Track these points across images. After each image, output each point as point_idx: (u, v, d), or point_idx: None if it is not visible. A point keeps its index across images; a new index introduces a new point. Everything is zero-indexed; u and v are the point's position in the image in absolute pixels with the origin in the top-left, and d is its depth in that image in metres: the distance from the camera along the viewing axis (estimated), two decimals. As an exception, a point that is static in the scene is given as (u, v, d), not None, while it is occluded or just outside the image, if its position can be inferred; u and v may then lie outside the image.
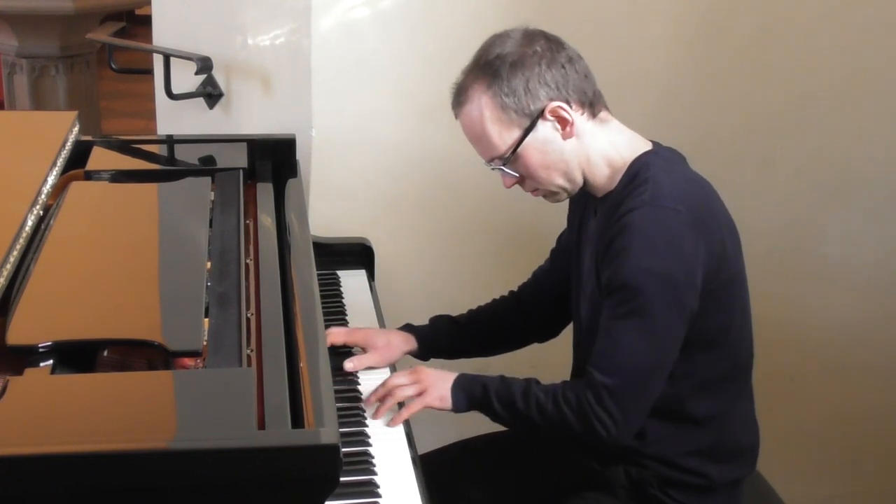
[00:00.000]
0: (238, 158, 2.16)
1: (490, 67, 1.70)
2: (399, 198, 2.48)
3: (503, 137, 1.71)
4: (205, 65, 2.40)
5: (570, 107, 1.70)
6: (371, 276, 2.29)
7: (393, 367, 1.98)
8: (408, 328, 2.01)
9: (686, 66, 2.48)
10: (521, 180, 1.77)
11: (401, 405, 1.79)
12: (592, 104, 1.72)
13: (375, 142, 2.42)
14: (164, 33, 2.53)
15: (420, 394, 1.76)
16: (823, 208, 2.62)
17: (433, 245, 2.55)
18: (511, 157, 1.72)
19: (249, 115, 2.45)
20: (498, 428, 1.86)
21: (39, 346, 1.39)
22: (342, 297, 2.18)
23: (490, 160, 1.75)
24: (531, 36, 1.72)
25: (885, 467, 2.84)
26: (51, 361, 1.38)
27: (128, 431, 1.25)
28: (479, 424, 1.86)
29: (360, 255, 2.31)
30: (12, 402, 1.28)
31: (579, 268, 1.85)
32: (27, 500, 1.20)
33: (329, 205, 2.42)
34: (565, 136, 1.71)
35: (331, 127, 2.38)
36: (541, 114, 1.69)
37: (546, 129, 1.70)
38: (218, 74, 2.46)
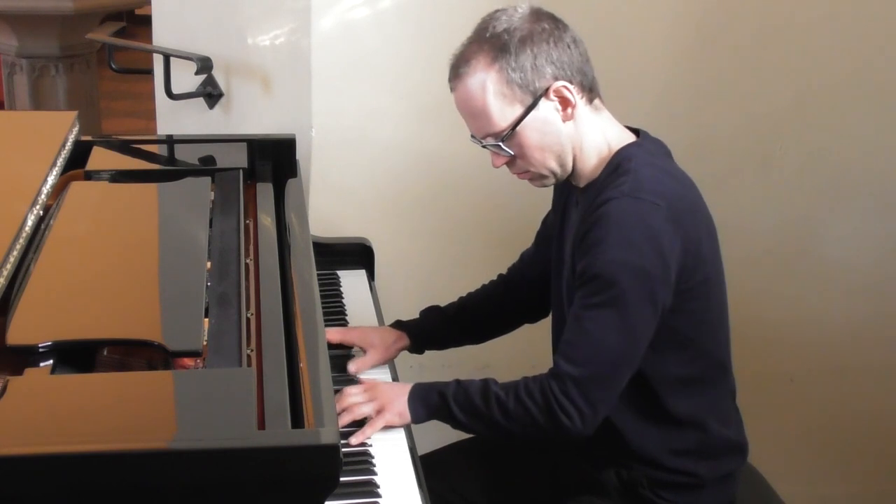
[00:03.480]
0: (238, 158, 2.16)
1: (497, 41, 1.66)
2: (399, 198, 2.48)
3: (504, 114, 1.68)
4: (205, 65, 2.40)
5: (574, 88, 1.68)
6: (371, 276, 2.29)
7: (392, 365, 1.98)
8: (398, 325, 2.01)
9: (686, 65, 2.48)
10: (512, 160, 1.74)
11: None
12: (591, 89, 1.71)
13: (375, 142, 2.42)
14: (164, 33, 2.53)
15: (379, 411, 1.74)
16: (823, 208, 2.62)
17: (433, 245, 2.55)
18: (509, 135, 1.69)
19: (249, 115, 2.45)
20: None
21: (39, 346, 1.39)
22: (342, 297, 2.18)
23: (484, 136, 1.72)
24: (538, 13, 1.70)
25: (885, 467, 2.83)
26: (51, 361, 1.38)
27: (128, 431, 1.25)
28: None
29: (360, 255, 2.31)
30: (12, 402, 1.28)
31: (560, 255, 1.84)
32: (27, 500, 1.20)
33: (329, 205, 2.42)
34: (565, 119, 1.69)
35: (331, 127, 2.38)
36: (545, 92, 1.67)
37: (547, 109, 1.68)
38: (218, 74, 2.46)
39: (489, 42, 1.67)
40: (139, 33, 4.76)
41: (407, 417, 1.74)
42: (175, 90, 2.44)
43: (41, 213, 1.80)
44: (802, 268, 2.66)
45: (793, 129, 2.55)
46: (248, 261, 1.78)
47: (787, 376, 2.74)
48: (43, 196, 1.83)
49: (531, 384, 1.68)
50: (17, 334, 1.41)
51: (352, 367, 1.90)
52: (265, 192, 2.07)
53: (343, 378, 1.88)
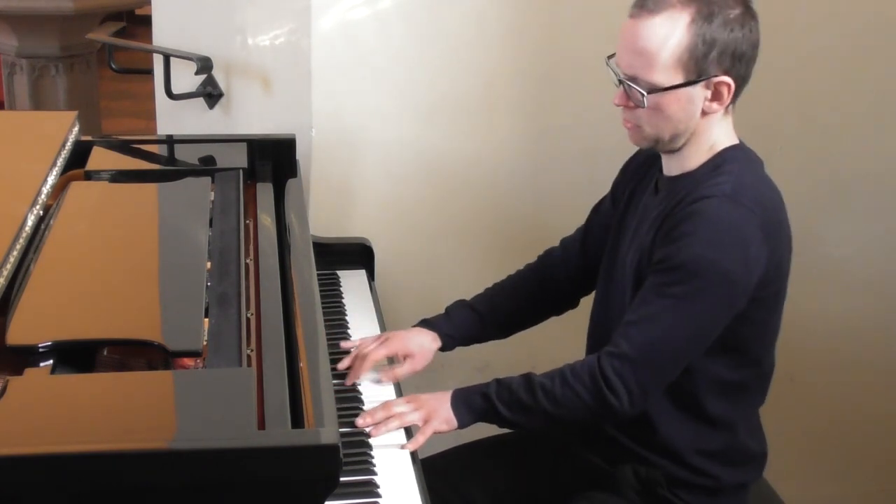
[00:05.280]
0: (238, 158, 2.15)
1: (707, 7, 1.62)
2: (399, 198, 2.48)
3: (666, 72, 1.63)
4: (205, 65, 2.40)
5: (733, 89, 1.66)
6: (371, 276, 2.29)
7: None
8: (427, 325, 1.97)
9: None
10: (633, 109, 1.69)
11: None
12: (738, 96, 1.70)
13: (375, 142, 2.42)
14: (164, 33, 2.53)
15: (426, 420, 1.74)
16: (823, 208, 2.62)
17: (433, 245, 2.55)
18: (656, 92, 1.65)
19: (249, 115, 2.45)
20: (499, 430, 1.85)
21: (39, 346, 1.39)
22: (342, 297, 2.18)
23: (632, 77, 1.66)
24: (749, 5, 1.66)
25: (886, 467, 2.83)
26: (51, 361, 1.38)
27: (128, 431, 1.25)
28: (479, 427, 1.85)
29: (360, 255, 2.31)
30: (12, 402, 1.28)
31: (618, 244, 1.83)
32: (27, 500, 1.20)
33: (329, 205, 2.42)
34: (706, 110, 1.67)
35: (331, 127, 2.38)
36: (708, 79, 1.64)
37: (699, 93, 1.66)
38: (218, 74, 2.46)
39: (699, 2, 1.62)
40: (139, 33, 4.75)
41: (454, 423, 1.74)
42: (175, 90, 2.44)
43: (41, 213, 1.80)
44: (802, 268, 2.65)
45: (793, 129, 2.55)
46: (248, 261, 1.78)
47: (787, 376, 2.73)
48: (43, 196, 1.83)
49: (578, 368, 1.69)
50: (17, 334, 1.41)
51: (384, 378, 1.87)
52: (265, 192, 2.07)
53: (343, 378, 1.88)
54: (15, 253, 1.61)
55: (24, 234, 1.67)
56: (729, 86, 1.65)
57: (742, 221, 1.63)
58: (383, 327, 2.09)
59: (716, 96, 1.66)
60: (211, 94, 2.48)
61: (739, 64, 1.65)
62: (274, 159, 2.20)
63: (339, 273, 2.27)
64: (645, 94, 1.65)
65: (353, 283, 2.25)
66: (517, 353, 2.26)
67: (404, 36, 2.37)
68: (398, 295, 2.44)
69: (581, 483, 1.86)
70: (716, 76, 1.64)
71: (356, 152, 2.42)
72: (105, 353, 1.46)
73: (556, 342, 2.13)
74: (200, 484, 1.21)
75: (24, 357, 1.39)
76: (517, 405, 1.71)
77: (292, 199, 2.07)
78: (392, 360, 1.93)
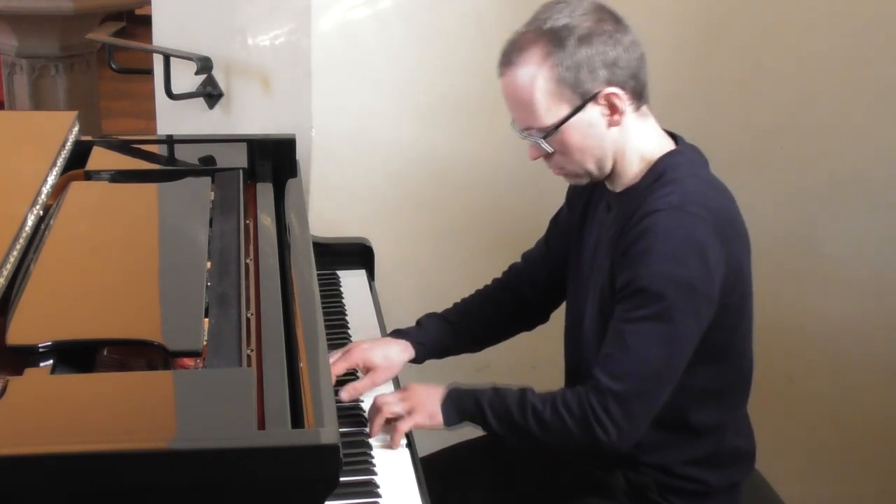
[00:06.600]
0: (238, 158, 2.16)
1: (555, 35, 1.61)
2: (399, 198, 2.48)
3: (550, 111, 1.64)
4: (205, 65, 2.41)
5: (624, 95, 1.64)
6: (371, 276, 2.29)
7: (396, 379, 1.96)
8: (399, 335, 1.93)
9: (686, 66, 2.48)
10: (549, 156, 1.69)
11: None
12: (641, 96, 1.68)
13: (375, 142, 2.43)
14: (164, 33, 2.53)
15: (409, 412, 1.72)
16: (823, 208, 2.62)
17: (433, 245, 2.55)
18: (551, 133, 1.65)
19: (249, 115, 2.45)
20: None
21: (39, 346, 1.39)
22: (342, 297, 2.18)
23: (526, 128, 1.68)
24: (601, 12, 1.64)
25: (886, 467, 2.83)
26: (51, 361, 1.38)
27: (128, 431, 1.25)
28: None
29: (360, 255, 2.31)
30: (12, 402, 1.28)
31: (579, 258, 1.82)
32: (27, 500, 1.20)
33: (329, 205, 2.42)
34: (610, 124, 1.66)
35: (331, 127, 2.38)
36: (594, 97, 1.63)
37: (594, 113, 1.64)
38: (218, 74, 2.46)
39: (546, 35, 1.62)
40: (139, 33, 4.75)
41: (438, 419, 1.72)
42: (175, 90, 2.44)
43: (41, 213, 1.80)
44: (802, 268, 2.66)
45: (793, 129, 2.55)
46: (248, 261, 1.78)
47: (787, 376, 2.74)
48: (43, 196, 1.83)
49: (569, 396, 1.66)
50: (17, 334, 1.41)
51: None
52: (265, 192, 2.07)
53: (343, 379, 1.88)
54: (15, 253, 1.61)
55: (24, 234, 1.67)
56: (617, 95, 1.64)
57: (694, 230, 1.61)
58: (383, 327, 2.09)
59: (611, 108, 1.65)
60: (211, 94, 2.48)
61: (618, 69, 1.63)
62: (274, 159, 2.20)
63: (339, 273, 2.27)
64: (542, 139, 1.66)
65: (353, 283, 2.25)
66: (517, 353, 2.26)
67: (404, 36, 2.37)
68: (398, 295, 2.44)
69: (575, 487, 1.85)
70: (599, 91, 1.63)
71: (356, 152, 2.42)
72: (105, 353, 1.46)
73: (557, 343, 2.13)
74: (200, 484, 1.21)
75: (24, 357, 1.39)
76: (506, 418, 1.69)
77: (292, 199, 2.08)
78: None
